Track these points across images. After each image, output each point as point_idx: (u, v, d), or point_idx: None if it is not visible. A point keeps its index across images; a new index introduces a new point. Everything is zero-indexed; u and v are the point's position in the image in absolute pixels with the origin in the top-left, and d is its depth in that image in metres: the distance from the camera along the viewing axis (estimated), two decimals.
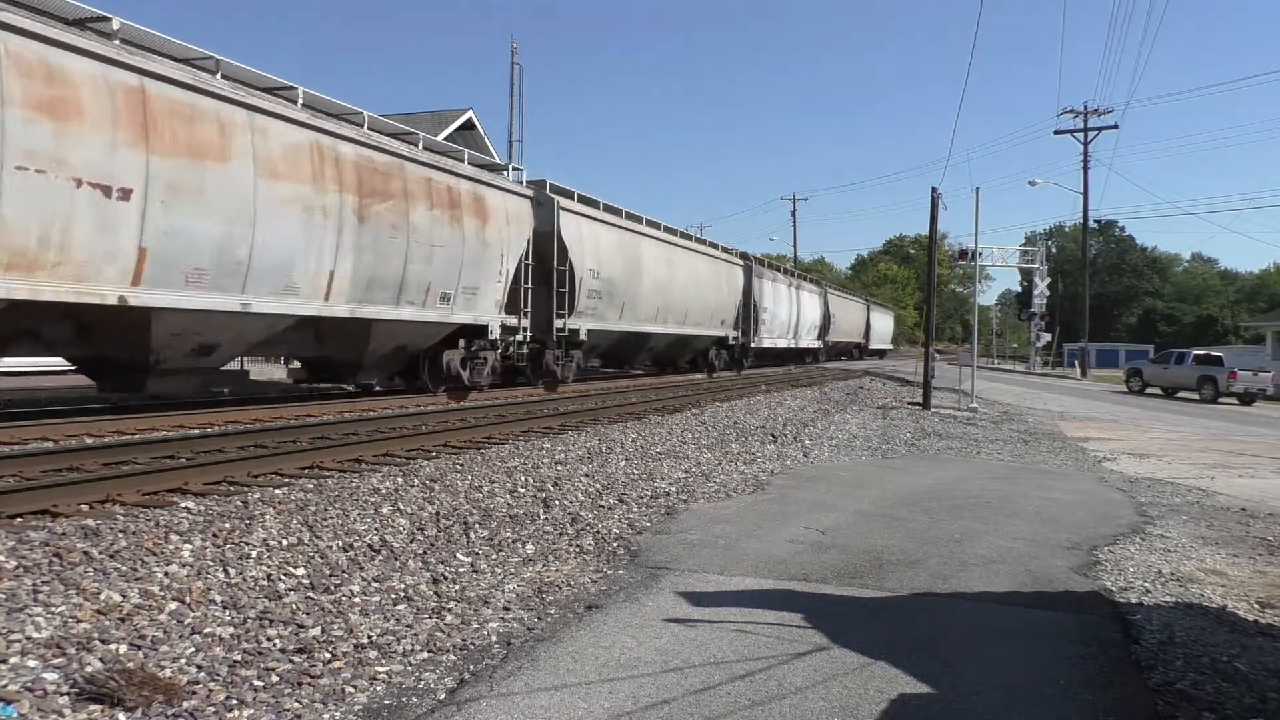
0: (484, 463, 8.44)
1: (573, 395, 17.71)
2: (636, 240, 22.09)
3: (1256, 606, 5.28)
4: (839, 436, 13.54)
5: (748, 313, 31.73)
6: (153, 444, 8.60)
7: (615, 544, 6.11)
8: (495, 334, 16.03)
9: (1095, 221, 64.32)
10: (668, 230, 25.22)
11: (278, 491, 6.52)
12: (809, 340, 42.16)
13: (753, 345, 32.35)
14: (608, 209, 21.13)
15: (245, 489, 6.81)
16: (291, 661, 3.76)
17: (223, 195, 10.20)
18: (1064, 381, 44.04)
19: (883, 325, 70.84)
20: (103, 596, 4.10)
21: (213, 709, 3.27)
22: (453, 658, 3.96)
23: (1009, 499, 8.56)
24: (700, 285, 26.69)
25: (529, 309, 17.03)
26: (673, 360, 28.27)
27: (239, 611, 4.20)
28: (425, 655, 3.97)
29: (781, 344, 37.28)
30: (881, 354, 69.91)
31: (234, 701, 3.34)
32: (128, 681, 3.28)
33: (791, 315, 38.12)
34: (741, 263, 31.85)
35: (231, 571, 4.67)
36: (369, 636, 4.10)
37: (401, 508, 6.38)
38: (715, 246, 30.09)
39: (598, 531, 6.42)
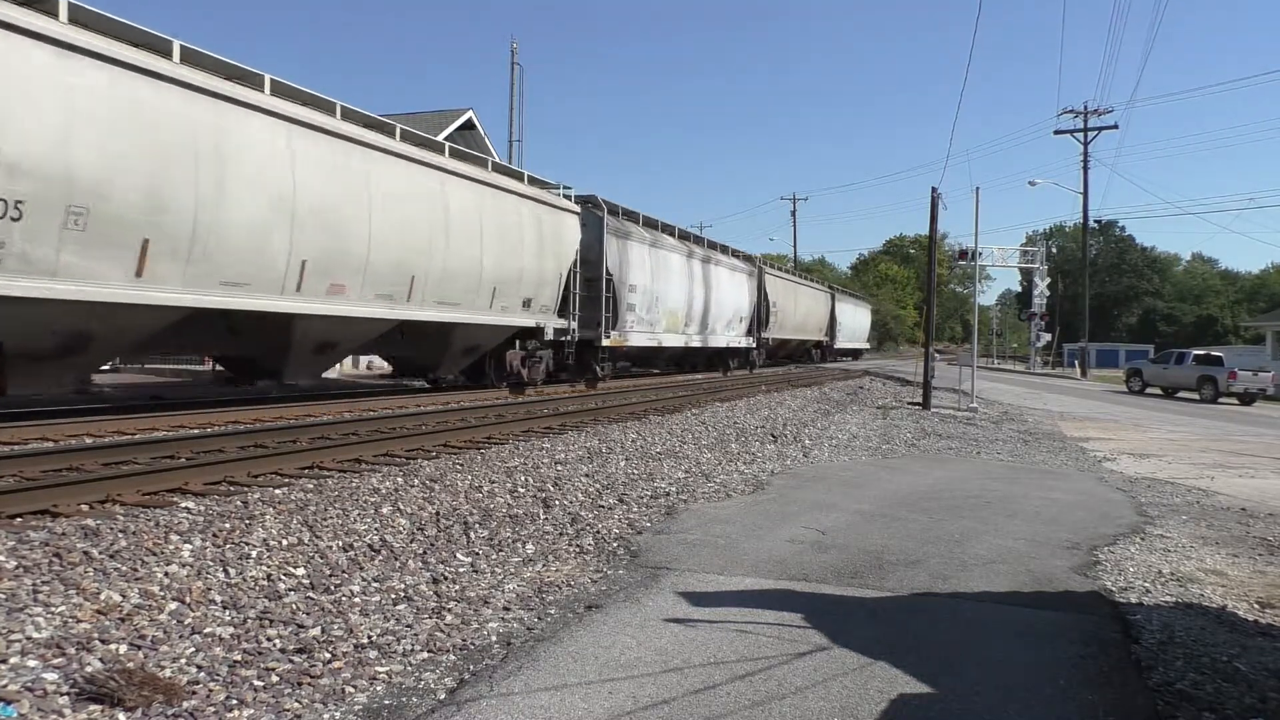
0: (484, 463, 8.44)
1: None
2: (212, 111, 10.33)
3: (1256, 606, 5.28)
4: (839, 436, 13.54)
5: (597, 291, 20.07)
6: (153, 444, 8.60)
7: (615, 544, 6.11)
8: None
9: (1095, 221, 64.45)
10: (352, 117, 12.98)
11: (278, 491, 6.52)
12: (730, 336, 30.62)
13: (606, 343, 20.66)
14: (78, 21, 9.01)
15: (245, 489, 6.81)
16: (291, 661, 3.76)
17: None
18: (1064, 381, 44.04)
19: (855, 320, 59.13)
20: (103, 596, 4.10)
21: (213, 709, 3.27)
22: (453, 658, 3.96)
23: (1009, 499, 8.56)
24: (457, 231, 14.97)
25: None
26: (430, 365, 16.76)
27: (239, 611, 4.20)
28: (425, 655, 3.97)
29: (672, 341, 25.39)
30: (855, 354, 60.04)
31: (234, 701, 3.34)
32: (128, 681, 3.28)
33: (691, 300, 26.30)
34: (577, 209, 19.22)
35: (231, 571, 4.67)
36: (369, 636, 4.10)
37: (401, 508, 6.38)
38: (512, 174, 17.45)
39: (598, 531, 6.42)
